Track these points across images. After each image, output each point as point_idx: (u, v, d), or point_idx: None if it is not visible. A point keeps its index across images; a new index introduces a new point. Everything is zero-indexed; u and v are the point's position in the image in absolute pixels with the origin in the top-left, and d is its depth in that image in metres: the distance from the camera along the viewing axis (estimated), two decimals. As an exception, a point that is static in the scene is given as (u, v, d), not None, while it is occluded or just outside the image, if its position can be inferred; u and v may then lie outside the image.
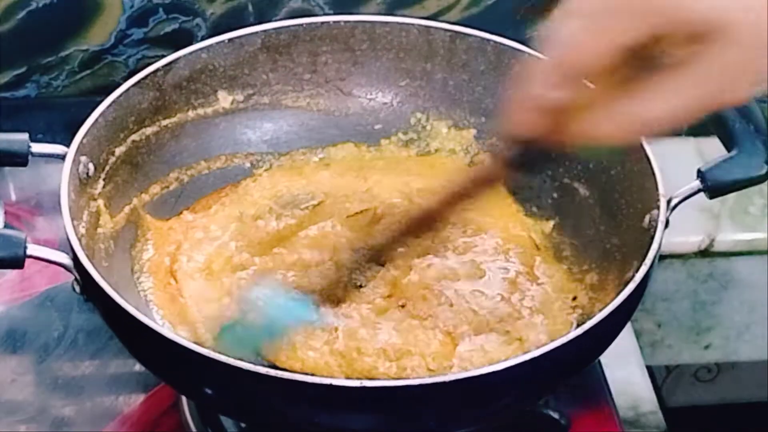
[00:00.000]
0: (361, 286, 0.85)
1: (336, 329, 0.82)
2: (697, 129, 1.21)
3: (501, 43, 0.95)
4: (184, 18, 1.14)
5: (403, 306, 0.85)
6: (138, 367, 0.88)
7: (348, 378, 0.79)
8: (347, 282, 0.84)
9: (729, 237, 1.18)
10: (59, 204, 0.80)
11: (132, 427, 0.89)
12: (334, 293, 0.84)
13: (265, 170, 0.98)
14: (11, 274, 0.97)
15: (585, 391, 0.93)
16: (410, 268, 0.87)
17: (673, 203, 0.83)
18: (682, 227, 0.99)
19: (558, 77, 0.63)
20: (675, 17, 0.59)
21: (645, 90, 0.62)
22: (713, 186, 0.83)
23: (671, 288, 1.21)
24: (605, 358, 0.84)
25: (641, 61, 0.61)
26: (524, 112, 0.65)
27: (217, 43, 0.95)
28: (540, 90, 0.63)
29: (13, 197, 1.05)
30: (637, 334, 1.12)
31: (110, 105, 0.88)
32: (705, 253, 1.18)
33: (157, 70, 0.92)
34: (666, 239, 0.81)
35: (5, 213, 1.02)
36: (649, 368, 1.08)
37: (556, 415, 0.90)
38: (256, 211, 0.93)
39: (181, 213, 0.93)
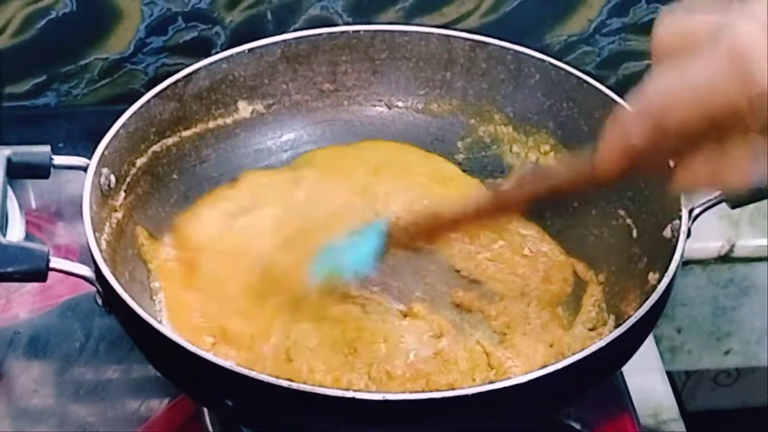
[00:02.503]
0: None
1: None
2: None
3: (521, 52, 0.96)
4: (203, 26, 1.15)
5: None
6: (160, 376, 0.88)
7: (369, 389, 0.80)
8: None
9: (749, 243, 1.17)
10: (80, 212, 0.81)
11: (154, 436, 0.90)
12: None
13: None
14: (33, 283, 0.98)
15: (606, 399, 0.92)
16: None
17: (694, 213, 0.83)
18: (703, 233, 0.99)
19: (648, 129, 0.65)
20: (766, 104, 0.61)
21: (734, 152, 0.64)
22: (735, 196, 0.83)
23: (691, 293, 1.21)
24: (625, 365, 0.84)
25: (732, 124, 0.63)
26: (612, 153, 0.68)
27: (237, 53, 0.95)
28: (630, 137, 0.66)
29: (34, 205, 1.06)
30: (657, 340, 1.12)
31: (131, 116, 0.89)
32: (725, 258, 1.18)
33: (178, 80, 0.92)
34: (686, 245, 0.82)
35: (26, 222, 1.02)
36: (669, 373, 1.08)
37: (577, 426, 0.90)
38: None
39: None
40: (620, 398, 0.93)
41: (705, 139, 0.65)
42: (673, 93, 0.64)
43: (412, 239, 0.85)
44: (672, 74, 0.64)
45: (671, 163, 0.68)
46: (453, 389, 0.78)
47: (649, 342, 1.06)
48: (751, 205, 0.90)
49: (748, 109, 0.61)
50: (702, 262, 1.19)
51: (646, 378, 1.03)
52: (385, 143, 0.99)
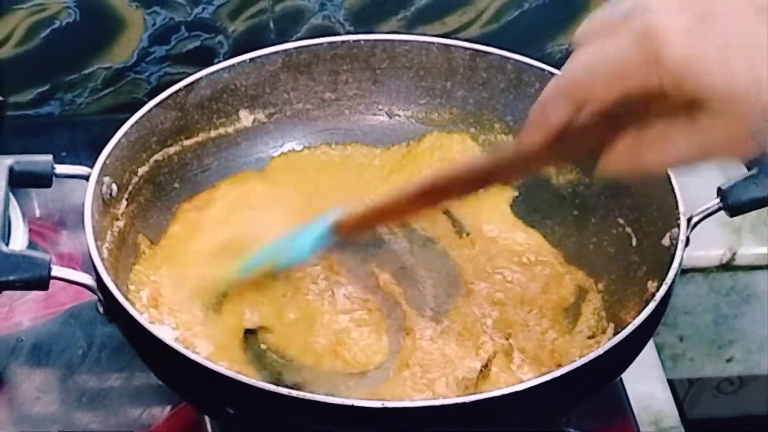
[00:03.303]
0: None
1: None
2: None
3: (521, 61, 0.96)
4: (206, 35, 1.15)
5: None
6: (161, 384, 0.88)
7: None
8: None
9: (750, 251, 1.17)
10: (82, 220, 0.81)
11: (156, 444, 0.90)
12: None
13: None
14: (36, 291, 0.98)
15: (606, 407, 0.92)
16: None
17: (693, 221, 0.83)
18: (704, 241, 1.00)
19: (565, 108, 0.66)
20: (679, 83, 0.61)
21: (656, 134, 0.65)
22: (733, 204, 0.83)
23: (693, 302, 1.21)
24: (627, 373, 0.84)
25: (652, 107, 0.64)
26: (537, 128, 0.69)
27: (239, 62, 0.96)
28: (549, 116, 0.67)
29: (37, 214, 1.06)
30: (659, 348, 1.12)
31: (133, 125, 0.89)
32: (726, 266, 1.18)
33: (179, 90, 0.93)
34: (688, 253, 0.82)
35: (29, 230, 1.02)
36: (671, 382, 1.08)
37: (577, 433, 0.91)
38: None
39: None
40: (620, 406, 0.93)
41: (624, 122, 0.66)
42: (588, 72, 0.65)
43: (356, 226, 0.85)
44: (588, 55, 0.65)
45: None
46: (450, 397, 0.79)
47: (651, 350, 1.06)
48: (753, 213, 0.90)
49: (660, 89, 0.62)
50: (703, 270, 1.19)
51: (647, 386, 1.03)
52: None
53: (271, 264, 0.87)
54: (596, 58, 0.64)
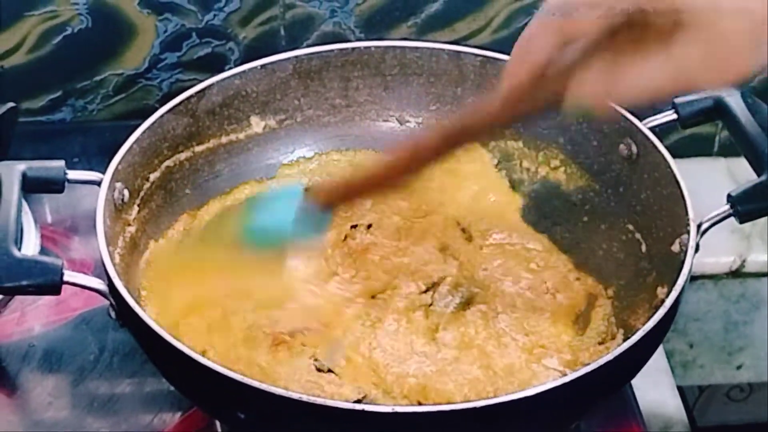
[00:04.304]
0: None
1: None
2: (728, 149, 1.22)
3: (531, 68, 0.96)
4: (217, 42, 1.16)
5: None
6: (173, 388, 0.89)
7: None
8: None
9: (760, 258, 1.18)
10: (94, 226, 0.82)
11: (167, 448, 0.90)
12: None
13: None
14: (48, 296, 0.98)
15: (616, 413, 0.92)
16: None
17: (703, 228, 0.83)
18: (714, 248, 0.99)
19: (552, 38, 0.67)
20: (653, 3, 0.63)
21: (631, 62, 0.65)
22: (743, 211, 0.83)
23: (703, 308, 1.21)
24: (637, 379, 0.84)
25: (629, 36, 0.65)
26: (521, 65, 0.69)
27: (250, 69, 0.96)
28: (533, 50, 0.68)
29: (49, 219, 1.07)
30: (669, 355, 1.12)
31: (144, 131, 0.90)
32: (736, 273, 1.18)
33: (191, 96, 0.93)
34: (697, 260, 0.82)
35: (41, 236, 1.03)
36: (681, 389, 1.08)
37: (586, 439, 0.91)
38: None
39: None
40: (630, 412, 0.93)
41: (600, 50, 0.66)
42: (571, 5, 0.65)
43: (330, 196, 0.82)
44: None
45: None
46: (461, 402, 0.79)
47: (661, 356, 1.06)
48: (762, 220, 0.90)
49: (641, 12, 0.63)
50: (713, 277, 1.19)
51: (657, 392, 1.03)
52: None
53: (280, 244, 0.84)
54: None
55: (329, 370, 0.83)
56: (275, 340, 0.84)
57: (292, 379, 0.82)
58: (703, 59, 0.63)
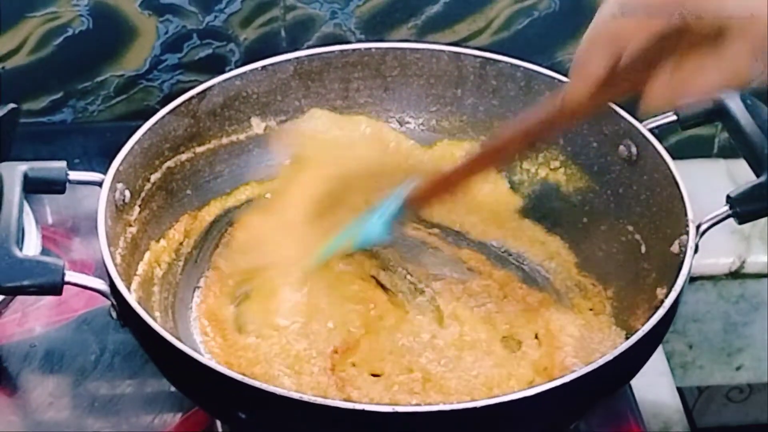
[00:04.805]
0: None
1: None
2: (728, 151, 1.22)
3: (531, 69, 0.97)
4: (218, 43, 1.16)
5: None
6: (173, 389, 0.89)
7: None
8: None
9: (760, 259, 1.18)
10: (95, 227, 0.82)
11: (167, 449, 0.90)
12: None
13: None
14: (49, 297, 0.99)
15: (615, 414, 0.92)
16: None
17: (702, 229, 0.84)
18: (713, 249, 1.00)
19: (606, 56, 0.72)
20: (699, 16, 0.68)
21: (691, 64, 0.70)
22: (742, 212, 0.84)
23: (702, 309, 1.21)
24: (636, 380, 0.85)
25: (686, 40, 0.69)
26: (581, 85, 0.74)
27: (251, 70, 0.96)
28: (592, 66, 0.72)
29: (50, 220, 1.07)
30: (669, 356, 1.12)
31: (146, 132, 0.90)
32: (736, 274, 1.18)
33: (192, 97, 0.94)
34: (697, 261, 0.82)
35: (42, 236, 1.03)
36: (681, 390, 1.08)
37: (586, 440, 0.91)
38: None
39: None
40: (629, 413, 0.93)
41: (659, 60, 0.70)
42: (617, 21, 0.70)
43: (425, 199, 0.88)
44: (613, 4, 0.70)
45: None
46: (461, 402, 0.79)
47: (660, 357, 1.06)
48: (762, 221, 0.91)
49: (684, 24, 0.68)
50: (713, 278, 1.19)
51: (656, 393, 1.03)
52: None
53: (348, 244, 0.88)
54: (621, 5, 0.69)
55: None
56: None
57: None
58: (749, 58, 0.68)
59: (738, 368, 1.27)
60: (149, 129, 0.90)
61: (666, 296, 0.79)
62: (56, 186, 0.84)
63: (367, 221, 0.87)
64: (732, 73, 0.69)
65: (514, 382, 0.83)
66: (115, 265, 0.80)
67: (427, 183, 0.87)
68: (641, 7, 0.69)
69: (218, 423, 0.90)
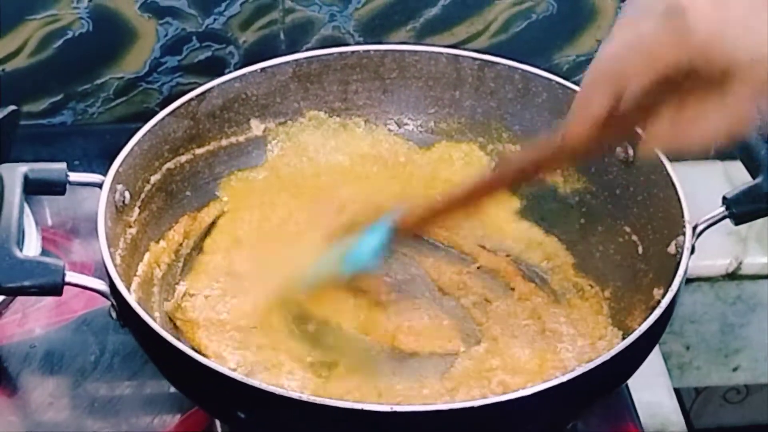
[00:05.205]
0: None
1: None
2: (725, 153, 1.22)
3: (529, 71, 0.97)
4: (217, 46, 1.16)
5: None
6: (173, 389, 0.89)
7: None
8: None
9: (757, 260, 1.18)
10: (95, 228, 0.82)
11: (167, 449, 0.91)
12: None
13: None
14: (49, 298, 0.99)
15: (612, 415, 0.93)
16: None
17: (698, 230, 0.84)
18: (710, 250, 1.00)
19: (607, 95, 0.70)
20: (706, 57, 0.65)
21: (693, 110, 0.68)
22: (738, 213, 0.84)
23: (699, 310, 1.21)
24: (633, 381, 0.85)
25: (689, 84, 0.67)
26: (580, 124, 0.72)
27: (250, 72, 0.97)
28: (592, 105, 0.71)
29: (50, 222, 1.07)
30: (666, 357, 1.12)
31: (145, 134, 0.90)
32: (733, 276, 1.18)
33: (191, 99, 0.94)
34: (694, 262, 0.82)
35: (42, 238, 1.03)
36: (678, 390, 1.08)
37: (582, 440, 0.91)
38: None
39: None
40: (627, 414, 0.94)
41: (662, 101, 0.68)
42: (620, 59, 0.68)
43: (414, 228, 0.87)
44: (617, 42, 0.68)
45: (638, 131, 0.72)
46: (459, 402, 0.79)
47: (657, 358, 1.07)
48: (758, 222, 0.91)
49: (690, 65, 0.65)
50: (710, 280, 1.19)
51: (654, 394, 1.03)
52: None
53: (334, 274, 0.87)
54: (625, 43, 0.67)
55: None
56: None
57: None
58: (751, 102, 0.66)
59: (735, 369, 1.27)
60: (149, 131, 0.91)
61: (663, 297, 0.79)
62: (56, 187, 0.85)
63: (355, 246, 0.87)
64: (734, 118, 0.67)
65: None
66: (115, 265, 0.80)
67: (418, 210, 0.87)
68: (646, 47, 0.67)
69: (218, 423, 0.90)
